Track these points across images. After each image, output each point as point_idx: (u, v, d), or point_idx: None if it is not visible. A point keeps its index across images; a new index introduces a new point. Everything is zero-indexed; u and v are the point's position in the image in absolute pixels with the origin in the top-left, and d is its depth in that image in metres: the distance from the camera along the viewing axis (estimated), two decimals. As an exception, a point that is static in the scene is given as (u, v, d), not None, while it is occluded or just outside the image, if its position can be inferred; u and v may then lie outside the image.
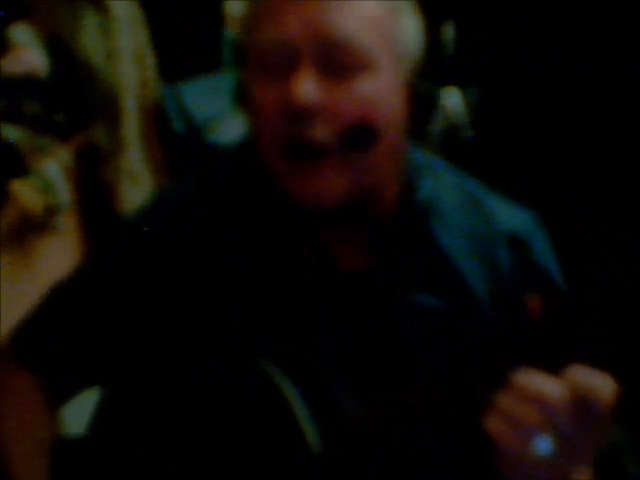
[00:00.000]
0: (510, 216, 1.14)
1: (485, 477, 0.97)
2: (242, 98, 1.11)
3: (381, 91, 1.03)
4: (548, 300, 0.94)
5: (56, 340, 1.16)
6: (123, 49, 2.16)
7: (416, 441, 1.00)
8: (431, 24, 1.13)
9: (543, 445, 0.87)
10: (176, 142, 2.31)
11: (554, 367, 0.87)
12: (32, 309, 1.19)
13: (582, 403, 0.86)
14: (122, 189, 2.17)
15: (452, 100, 1.74)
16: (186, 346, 1.09)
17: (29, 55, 2.04)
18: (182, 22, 2.41)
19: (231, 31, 2.54)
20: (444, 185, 1.14)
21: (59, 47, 2.08)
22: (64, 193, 2.04)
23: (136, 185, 2.19)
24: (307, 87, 1.01)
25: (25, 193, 1.99)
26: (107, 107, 2.14)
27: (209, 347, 1.08)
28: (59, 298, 1.19)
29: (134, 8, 2.21)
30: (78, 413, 1.18)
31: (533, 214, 1.16)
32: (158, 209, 1.18)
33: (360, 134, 1.03)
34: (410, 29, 1.07)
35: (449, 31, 1.93)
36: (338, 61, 1.02)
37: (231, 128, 2.30)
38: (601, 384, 0.85)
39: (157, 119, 2.28)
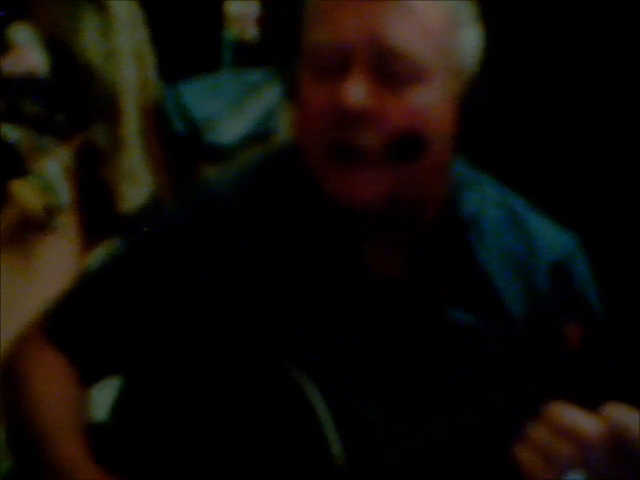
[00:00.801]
0: (551, 238, 1.13)
1: None
2: (292, 95, 1.09)
3: (432, 103, 1.02)
4: (587, 331, 0.91)
5: (87, 323, 1.15)
6: (123, 49, 2.16)
7: (438, 460, 0.99)
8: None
9: None
10: (176, 142, 2.31)
11: (590, 400, 0.86)
12: (69, 289, 1.19)
13: (618, 441, 0.84)
14: (122, 189, 2.17)
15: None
16: (217, 341, 1.09)
17: (29, 55, 2.04)
18: (182, 22, 2.41)
19: (231, 31, 2.54)
20: (488, 201, 1.13)
21: (59, 47, 2.08)
22: (64, 193, 2.04)
23: (136, 185, 2.19)
24: (357, 91, 0.99)
25: (25, 193, 2.00)
26: (107, 107, 2.14)
27: (238, 344, 1.08)
28: (93, 283, 1.19)
29: (134, 8, 2.21)
30: (102, 399, 1.18)
31: (574, 235, 1.15)
32: (198, 204, 1.17)
33: (407, 145, 1.01)
34: (469, 42, 1.05)
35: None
36: (391, 69, 1.00)
37: (231, 128, 2.30)
38: (638, 423, 0.84)
39: (157, 119, 2.28)
